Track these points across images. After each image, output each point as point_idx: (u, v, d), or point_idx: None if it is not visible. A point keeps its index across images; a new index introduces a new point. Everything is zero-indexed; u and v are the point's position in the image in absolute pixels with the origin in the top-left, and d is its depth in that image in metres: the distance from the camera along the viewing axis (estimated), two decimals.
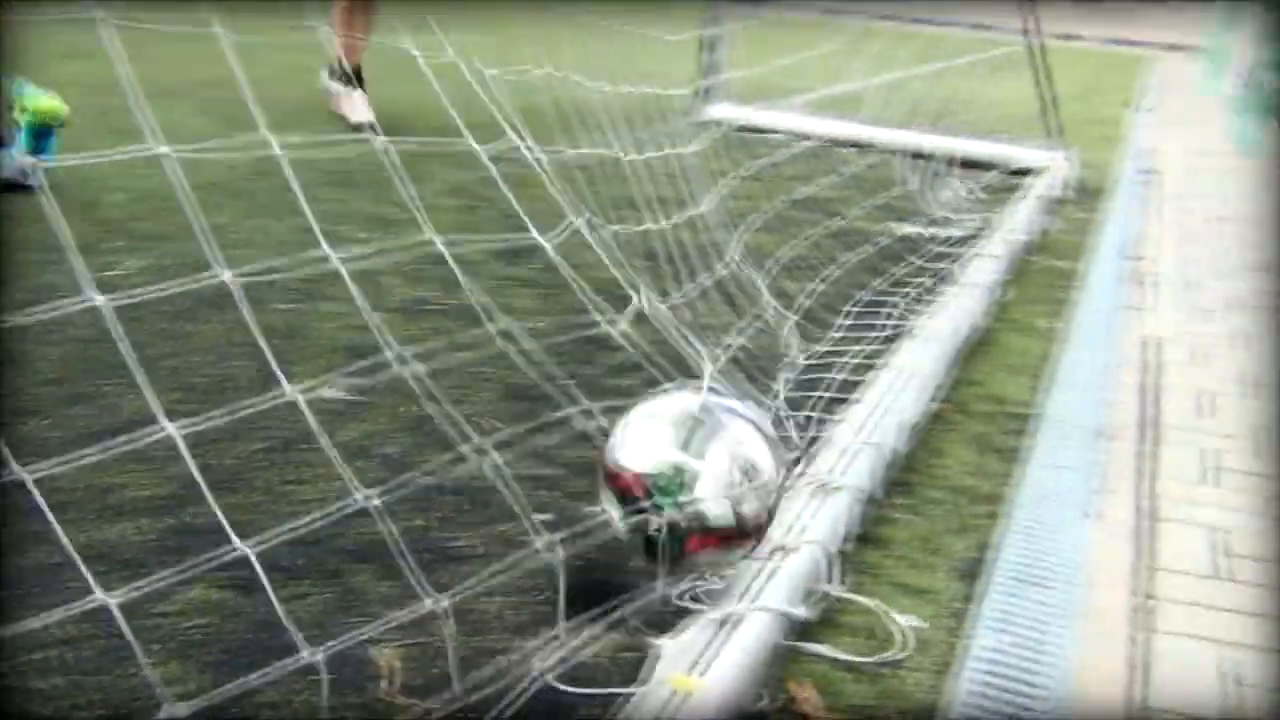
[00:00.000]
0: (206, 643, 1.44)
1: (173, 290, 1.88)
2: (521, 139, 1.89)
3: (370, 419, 2.11)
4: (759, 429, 1.53)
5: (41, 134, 3.37)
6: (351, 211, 3.54)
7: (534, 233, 1.79)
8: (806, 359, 2.56)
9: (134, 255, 2.94)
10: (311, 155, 4.34)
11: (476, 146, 1.78)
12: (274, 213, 3.45)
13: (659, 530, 1.42)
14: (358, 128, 4.61)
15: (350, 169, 4.16)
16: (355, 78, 4.91)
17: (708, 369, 1.59)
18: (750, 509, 1.46)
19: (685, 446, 1.46)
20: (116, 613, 1.12)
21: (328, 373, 2.27)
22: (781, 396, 2.28)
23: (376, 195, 3.75)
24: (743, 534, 1.48)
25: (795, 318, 2.57)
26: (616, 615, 1.48)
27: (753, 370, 2.44)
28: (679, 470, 1.45)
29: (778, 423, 2.03)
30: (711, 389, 1.56)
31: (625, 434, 1.52)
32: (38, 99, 3.36)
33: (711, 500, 1.43)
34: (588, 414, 1.91)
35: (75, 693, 1.33)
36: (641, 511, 1.43)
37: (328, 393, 2.21)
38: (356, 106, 4.91)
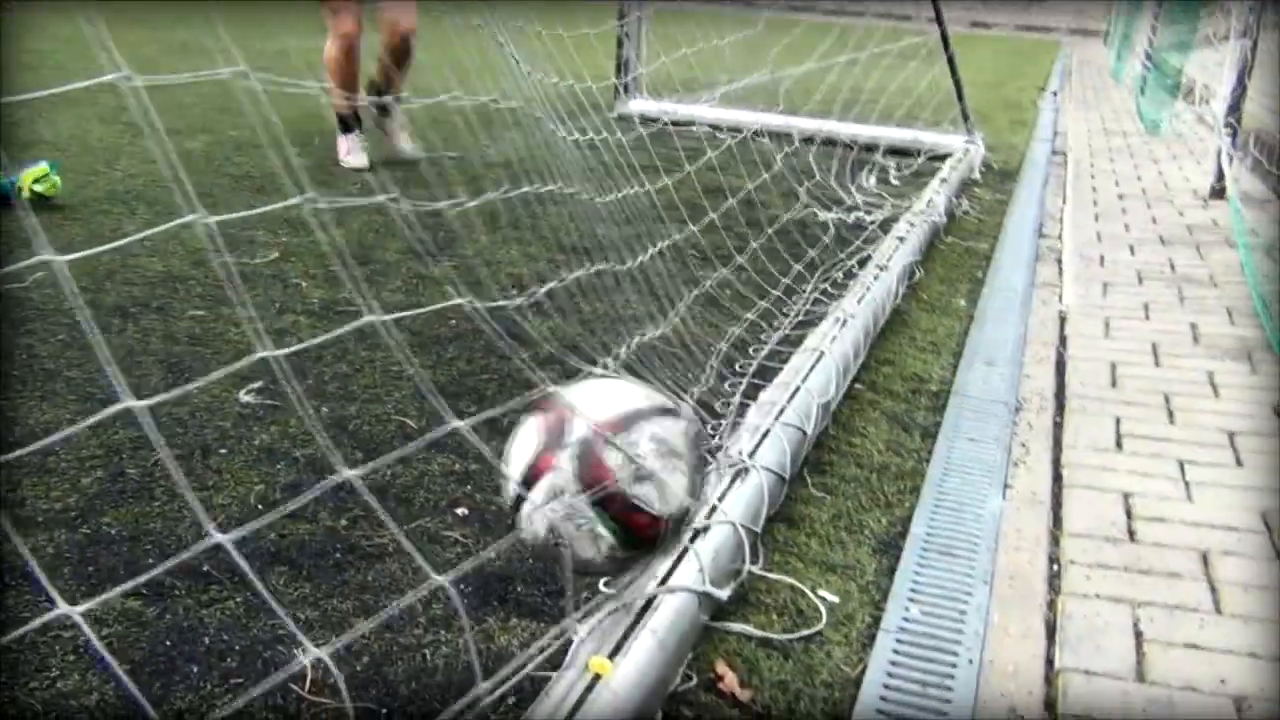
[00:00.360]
0: (118, 651, 1.41)
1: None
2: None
3: (284, 421, 2.08)
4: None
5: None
6: (263, 217, 3.48)
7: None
8: (726, 343, 2.58)
9: (38, 268, 2.87)
10: (221, 162, 4.26)
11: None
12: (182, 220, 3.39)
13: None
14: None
15: (261, 174, 4.10)
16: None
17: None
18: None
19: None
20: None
21: (240, 378, 2.23)
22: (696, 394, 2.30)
23: (288, 196, 3.69)
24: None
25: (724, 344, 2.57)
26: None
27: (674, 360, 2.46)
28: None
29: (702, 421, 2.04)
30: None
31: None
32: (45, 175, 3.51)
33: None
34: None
35: None
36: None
37: (243, 397, 2.18)
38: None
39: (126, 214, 3.43)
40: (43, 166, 3.47)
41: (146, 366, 2.30)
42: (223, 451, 1.95)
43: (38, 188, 3.44)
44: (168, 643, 1.43)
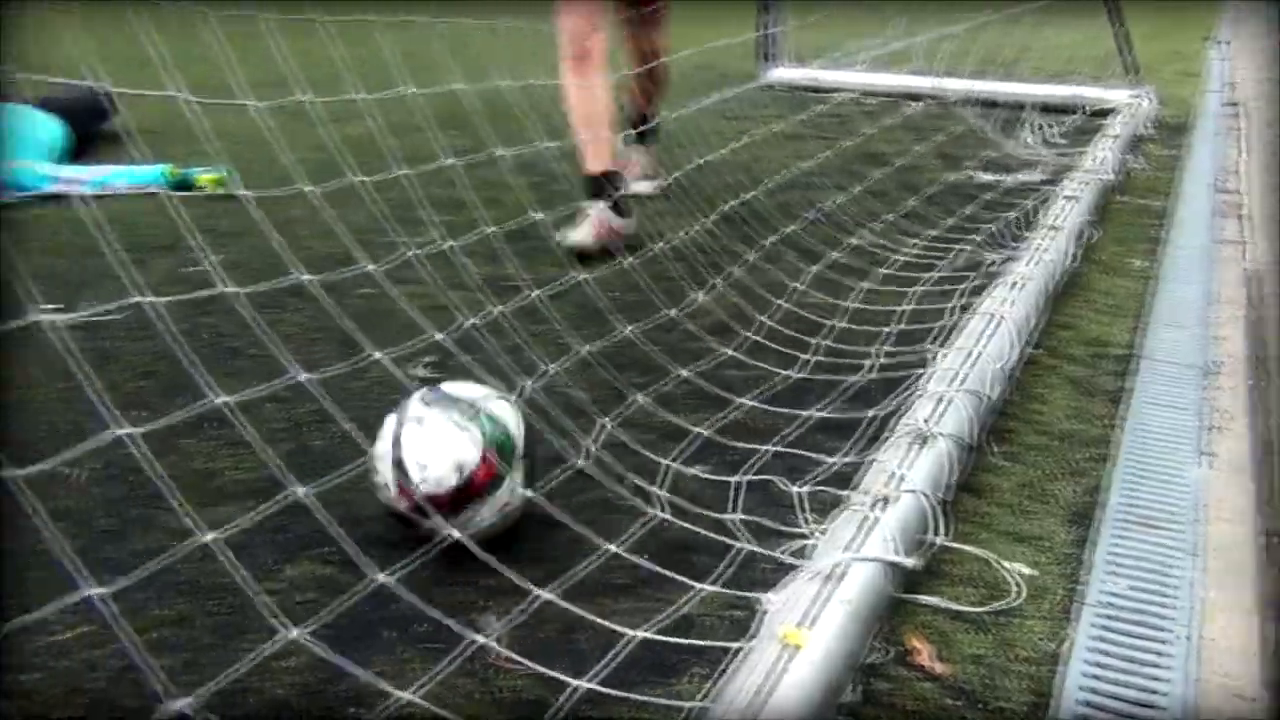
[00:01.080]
0: (316, 617, 1.44)
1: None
2: None
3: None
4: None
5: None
6: (425, 195, 3.54)
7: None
8: (902, 309, 2.51)
9: (213, 252, 2.98)
10: (376, 143, 4.35)
11: None
12: (348, 202, 3.47)
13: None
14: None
15: (421, 154, 4.17)
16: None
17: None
18: None
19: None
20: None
21: (411, 354, 2.27)
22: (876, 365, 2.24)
23: (448, 178, 3.75)
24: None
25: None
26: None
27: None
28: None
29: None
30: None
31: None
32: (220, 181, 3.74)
33: None
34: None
35: (190, 670, 1.34)
36: None
37: (414, 371, 2.21)
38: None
39: (287, 201, 3.53)
40: (219, 174, 3.63)
41: (321, 344, 2.36)
42: None
43: (215, 190, 3.60)
44: (364, 609, 1.45)
